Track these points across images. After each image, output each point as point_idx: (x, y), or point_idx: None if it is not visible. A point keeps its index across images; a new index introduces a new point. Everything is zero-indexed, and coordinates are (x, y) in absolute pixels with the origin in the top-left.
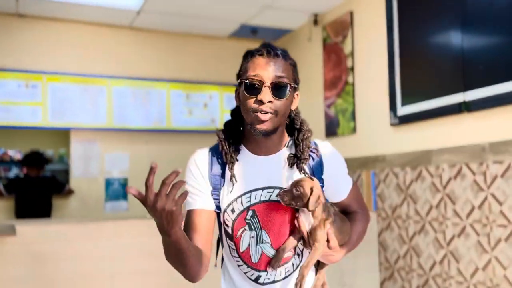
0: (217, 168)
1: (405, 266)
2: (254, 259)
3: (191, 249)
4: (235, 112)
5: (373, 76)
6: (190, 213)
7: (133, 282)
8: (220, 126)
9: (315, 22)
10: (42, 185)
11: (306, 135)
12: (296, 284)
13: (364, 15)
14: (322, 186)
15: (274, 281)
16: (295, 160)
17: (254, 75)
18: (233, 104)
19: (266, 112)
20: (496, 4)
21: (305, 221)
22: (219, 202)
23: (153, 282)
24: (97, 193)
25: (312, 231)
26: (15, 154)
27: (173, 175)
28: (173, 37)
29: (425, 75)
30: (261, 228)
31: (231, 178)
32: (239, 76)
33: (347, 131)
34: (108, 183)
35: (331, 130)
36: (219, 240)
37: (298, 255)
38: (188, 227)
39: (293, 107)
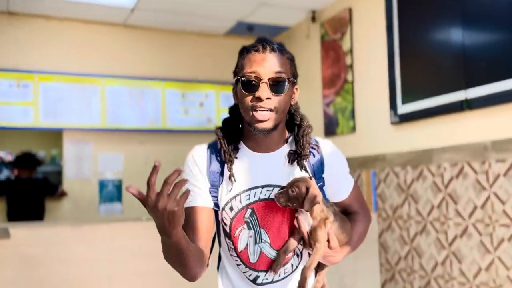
0: (215, 166)
1: (407, 267)
2: (252, 258)
3: (191, 249)
4: (233, 110)
5: (372, 74)
6: (189, 210)
7: (130, 284)
8: (217, 125)
9: (313, 19)
10: (34, 187)
11: (306, 131)
12: (298, 286)
13: (363, 12)
14: (323, 186)
15: (272, 282)
16: (296, 157)
17: (250, 72)
18: (230, 103)
19: (265, 110)
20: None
21: (305, 221)
22: (217, 200)
23: (150, 284)
24: (91, 195)
25: (312, 231)
26: (6, 155)
27: (175, 174)
28: (168, 35)
29: (426, 73)
30: (260, 227)
31: (230, 178)
32: (235, 73)
33: (347, 130)
34: (102, 184)
35: (330, 129)
36: (214, 238)
37: (298, 255)
38: (187, 225)
39: (292, 102)
